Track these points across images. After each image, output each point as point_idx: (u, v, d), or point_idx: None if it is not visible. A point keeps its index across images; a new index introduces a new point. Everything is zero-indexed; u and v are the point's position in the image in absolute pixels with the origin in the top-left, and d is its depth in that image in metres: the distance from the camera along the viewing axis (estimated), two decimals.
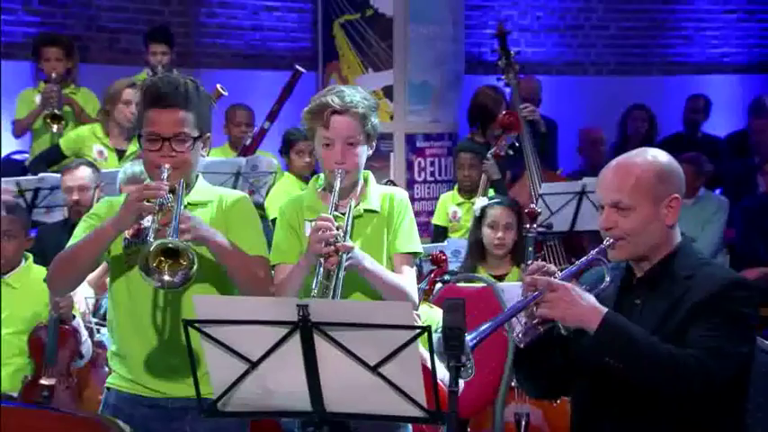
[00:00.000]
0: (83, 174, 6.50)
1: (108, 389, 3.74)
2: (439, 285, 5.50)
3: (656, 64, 11.50)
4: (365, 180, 3.92)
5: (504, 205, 6.12)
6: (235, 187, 7.45)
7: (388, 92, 8.73)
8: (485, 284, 5.41)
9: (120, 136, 7.66)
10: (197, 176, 3.80)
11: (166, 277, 3.39)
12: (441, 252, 5.22)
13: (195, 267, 3.37)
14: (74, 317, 5.23)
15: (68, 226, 5.92)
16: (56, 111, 7.91)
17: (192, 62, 9.68)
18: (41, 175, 7.04)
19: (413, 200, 8.72)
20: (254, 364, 3.06)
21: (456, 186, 7.72)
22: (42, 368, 5.17)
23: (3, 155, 8.80)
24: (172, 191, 3.56)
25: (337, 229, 3.62)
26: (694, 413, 3.49)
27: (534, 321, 3.50)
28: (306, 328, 3.00)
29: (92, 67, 9.18)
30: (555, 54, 11.24)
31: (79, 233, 3.64)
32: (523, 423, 5.25)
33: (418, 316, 4.87)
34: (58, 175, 6.76)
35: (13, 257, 5.35)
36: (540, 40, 11.19)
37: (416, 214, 8.50)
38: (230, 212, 3.71)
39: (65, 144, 7.65)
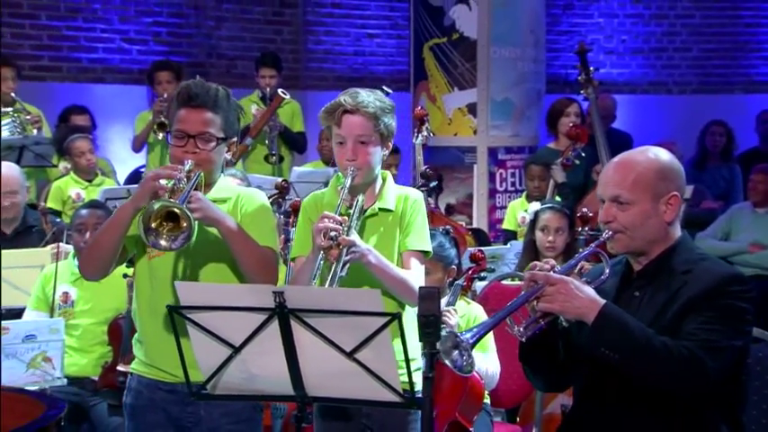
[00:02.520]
0: None
1: (131, 373, 3.58)
2: (482, 283, 5.23)
3: (738, 83, 10.95)
4: (383, 180, 3.68)
5: (556, 210, 5.81)
6: None
7: (471, 108, 8.52)
8: None
9: None
10: (220, 176, 3.62)
11: (163, 242, 3.21)
12: (479, 250, 4.94)
13: (193, 235, 3.21)
14: None
15: None
16: (163, 119, 7.89)
17: (301, 85, 9.61)
18: (122, 185, 6.99)
19: (494, 208, 8.56)
20: (236, 349, 2.86)
21: (525, 193, 7.43)
22: (120, 356, 5.07)
23: (132, 169, 8.89)
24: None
25: (341, 223, 3.40)
26: (689, 404, 3.18)
27: (535, 315, 3.24)
28: (282, 314, 2.79)
29: None
30: (639, 74, 10.81)
31: None
32: None
33: (455, 311, 4.62)
34: None
35: None
36: (625, 62, 10.78)
37: (497, 221, 8.37)
38: (244, 208, 3.53)
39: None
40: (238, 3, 9.88)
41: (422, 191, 6.45)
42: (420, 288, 2.91)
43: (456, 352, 3.10)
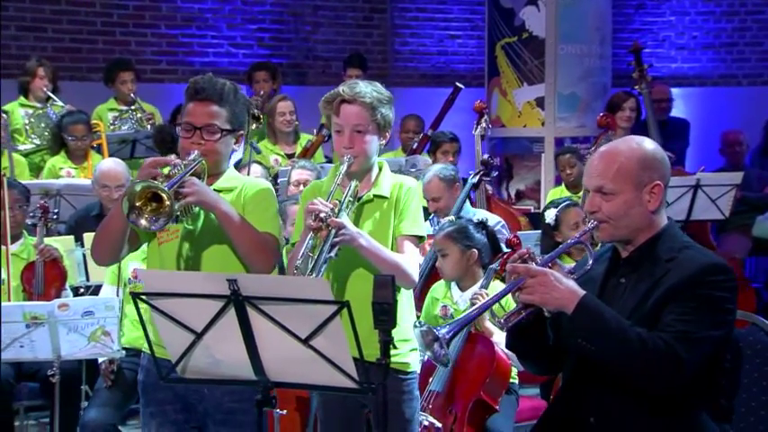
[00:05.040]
0: (254, 170, 6.23)
1: (143, 352, 3.33)
2: None
3: None
4: (380, 168, 3.36)
5: (573, 204, 5.34)
6: None
7: (540, 102, 8.15)
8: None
9: (283, 142, 7.37)
10: (228, 167, 3.34)
11: (143, 221, 2.95)
12: (515, 236, 4.54)
13: (171, 217, 2.95)
14: None
15: None
16: (255, 111, 7.72)
17: (389, 82, 9.20)
18: None
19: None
20: (198, 335, 2.57)
21: (563, 183, 6.98)
22: None
23: (236, 159, 8.74)
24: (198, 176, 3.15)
25: (333, 206, 3.10)
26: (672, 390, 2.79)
27: (516, 307, 2.92)
28: (238, 301, 2.49)
29: (309, 89, 8.92)
30: (710, 68, 10.09)
31: None
32: None
33: (488, 294, 4.26)
34: None
35: None
36: (695, 57, 10.08)
37: None
38: (247, 196, 3.24)
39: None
40: (333, 9, 9.66)
41: (483, 180, 6.13)
42: (375, 276, 2.58)
43: (436, 344, 2.84)
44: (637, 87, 7.32)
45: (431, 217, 5.59)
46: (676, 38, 10.04)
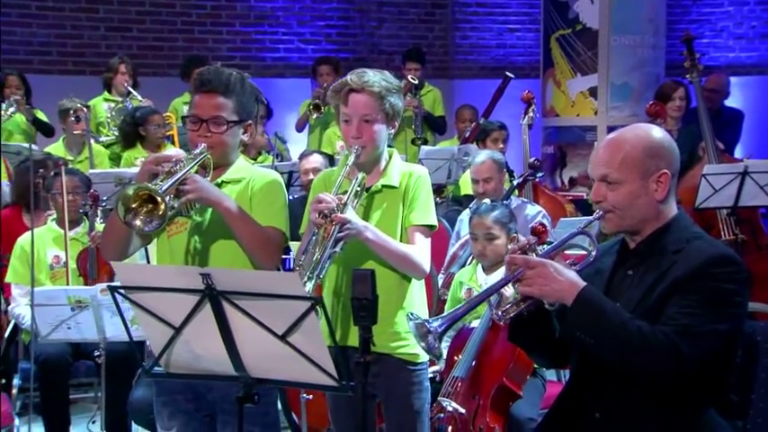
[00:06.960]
0: (315, 159, 5.95)
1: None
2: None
3: None
4: (389, 157, 3.07)
5: None
6: (450, 170, 6.69)
7: (593, 92, 7.77)
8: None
9: None
10: (237, 158, 3.09)
11: (138, 222, 2.70)
12: (541, 224, 4.19)
13: (165, 220, 2.69)
14: None
15: (305, 201, 5.37)
16: (317, 101, 7.52)
17: (450, 75, 9.01)
18: (294, 160, 6.59)
19: None
20: (177, 330, 2.33)
21: None
22: None
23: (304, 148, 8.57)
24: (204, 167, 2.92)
25: (338, 201, 2.82)
26: (676, 386, 2.48)
27: (516, 299, 2.62)
28: (213, 296, 2.24)
29: None
30: None
31: None
32: None
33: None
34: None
35: None
36: (754, 46, 9.45)
37: None
38: (255, 188, 2.98)
39: (323, 145, 7.26)
40: (396, 5, 9.42)
41: (528, 179, 5.79)
42: (353, 270, 2.30)
43: (430, 337, 2.58)
44: (688, 77, 6.80)
45: (471, 205, 5.28)
46: (734, 28, 9.44)
